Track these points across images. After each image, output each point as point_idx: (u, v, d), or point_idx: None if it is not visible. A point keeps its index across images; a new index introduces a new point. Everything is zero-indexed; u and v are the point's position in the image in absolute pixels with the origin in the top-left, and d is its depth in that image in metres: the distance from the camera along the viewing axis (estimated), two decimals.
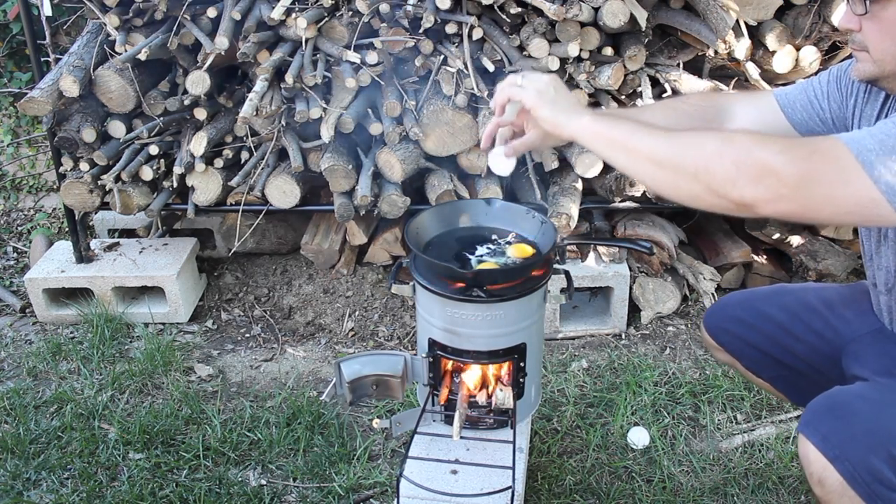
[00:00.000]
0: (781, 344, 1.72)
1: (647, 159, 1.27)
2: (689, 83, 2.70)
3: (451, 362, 1.80)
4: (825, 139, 1.17)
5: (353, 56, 2.63)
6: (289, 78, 2.61)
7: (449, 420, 1.81)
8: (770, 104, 1.63)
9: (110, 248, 3.24)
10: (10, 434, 2.41)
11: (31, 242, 3.66)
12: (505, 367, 1.81)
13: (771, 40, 2.61)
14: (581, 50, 2.60)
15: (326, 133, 2.70)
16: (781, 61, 2.66)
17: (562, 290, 1.93)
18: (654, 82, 2.74)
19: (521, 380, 1.81)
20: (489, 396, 1.82)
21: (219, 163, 2.92)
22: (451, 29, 2.65)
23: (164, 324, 3.05)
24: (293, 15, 2.60)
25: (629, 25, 2.58)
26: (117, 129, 2.86)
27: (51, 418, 2.52)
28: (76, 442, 2.38)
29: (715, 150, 1.18)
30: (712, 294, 2.98)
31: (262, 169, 2.92)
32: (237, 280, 3.30)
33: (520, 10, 2.59)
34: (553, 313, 2.85)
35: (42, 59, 2.91)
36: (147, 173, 2.89)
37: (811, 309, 1.71)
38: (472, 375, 1.83)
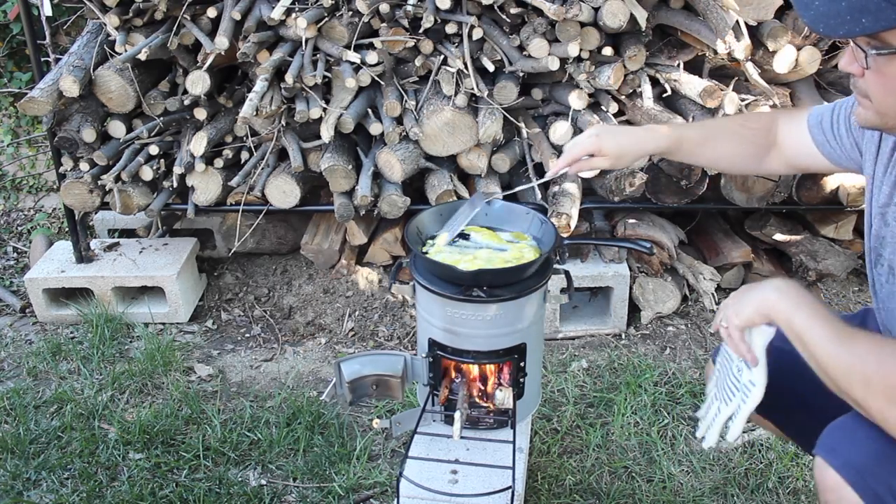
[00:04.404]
0: (783, 385, 1.57)
1: (821, 370, 1.25)
2: (689, 83, 2.70)
3: (451, 362, 1.80)
4: None
5: (353, 56, 2.63)
6: (289, 78, 2.61)
7: (449, 420, 1.81)
8: (802, 122, 1.60)
9: (110, 248, 3.24)
10: (10, 434, 2.41)
11: (31, 242, 3.66)
12: (505, 367, 1.81)
13: (771, 40, 2.61)
14: (581, 50, 2.60)
15: (326, 133, 2.70)
16: (781, 61, 2.66)
17: (562, 290, 1.93)
18: (654, 82, 2.74)
19: (521, 380, 1.81)
20: (489, 396, 1.82)
21: (219, 163, 2.92)
22: (451, 29, 2.65)
23: (164, 324, 3.05)
24: (293, 15, 2.60)
25: (629, 25, 2.58)
26: (117, 129, 2.86)
27: (51, 418, 2.52)
28: (76, 442, 2.38)
29: (869, 377, 1.17)
30: (712, 294, 2.98)
31: (262, 169, 2.92)
32: (237, 280, 3.30)
33: (520, 10, 2.59)
34: (553, 313, 2.85)
35: (42, 59, 2.91)
36: (147, 173, 2.89)
37: None
38: (472, 375, 1.83)
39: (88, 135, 2.78)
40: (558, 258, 1.85)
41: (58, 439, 2.40)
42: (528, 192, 2.91)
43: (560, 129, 2.77)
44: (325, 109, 2.70)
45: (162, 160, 2.93)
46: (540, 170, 2.89)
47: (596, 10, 2.57)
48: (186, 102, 2.80)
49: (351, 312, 3.06)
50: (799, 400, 1.54)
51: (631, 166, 2.75)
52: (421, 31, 2.64)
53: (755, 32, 2.65)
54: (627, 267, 2.89)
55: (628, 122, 2.85)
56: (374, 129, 2.77)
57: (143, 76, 2.81)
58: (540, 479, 2.18)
